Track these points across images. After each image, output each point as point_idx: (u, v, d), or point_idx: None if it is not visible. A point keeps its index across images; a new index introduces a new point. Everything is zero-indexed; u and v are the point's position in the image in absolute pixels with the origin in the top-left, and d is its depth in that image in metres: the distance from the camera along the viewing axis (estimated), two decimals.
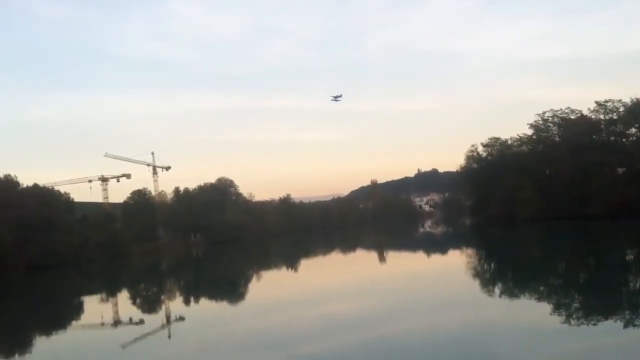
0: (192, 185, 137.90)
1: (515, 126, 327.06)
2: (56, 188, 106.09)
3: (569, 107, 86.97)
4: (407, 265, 45.17)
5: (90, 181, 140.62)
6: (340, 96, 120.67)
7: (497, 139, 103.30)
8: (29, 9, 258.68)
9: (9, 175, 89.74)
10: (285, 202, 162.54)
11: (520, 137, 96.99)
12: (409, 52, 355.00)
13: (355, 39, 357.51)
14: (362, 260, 56.06)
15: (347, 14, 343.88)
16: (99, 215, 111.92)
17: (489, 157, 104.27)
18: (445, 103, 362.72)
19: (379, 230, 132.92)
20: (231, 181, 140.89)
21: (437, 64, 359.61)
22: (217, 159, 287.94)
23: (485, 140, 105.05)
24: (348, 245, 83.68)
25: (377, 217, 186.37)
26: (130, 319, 27.51)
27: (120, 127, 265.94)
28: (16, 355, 21.31)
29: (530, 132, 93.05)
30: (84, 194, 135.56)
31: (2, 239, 69.67)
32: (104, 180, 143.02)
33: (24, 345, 23.11)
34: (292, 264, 57.64)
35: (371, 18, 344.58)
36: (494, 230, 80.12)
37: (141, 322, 26.45)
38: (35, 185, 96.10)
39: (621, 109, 79.02)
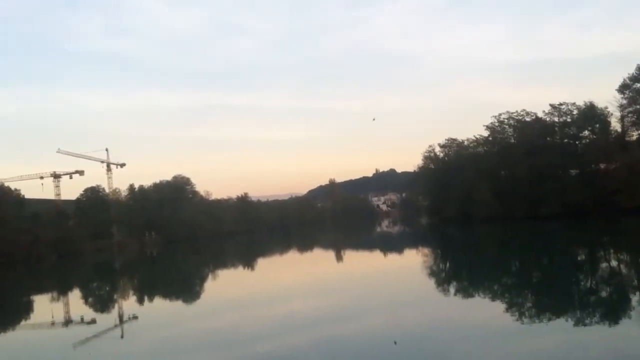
0: (148, 182, 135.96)
1: (473, 127, 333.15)
2: (6, 184, 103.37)
3: (524, 110, 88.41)
4: (363, 264, 45.27)
5: (42, 177, 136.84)
6: None
7: (454, 139, 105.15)
8: None
9: None
10: (243, 200, 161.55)
11: (477, 138, 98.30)
12: (369, 52, 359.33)
13: (316, 38, 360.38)
14: (319, 260, 55.98)
15: (308, 14, 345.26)
16: (51, 212, 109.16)
17: (446, 158, 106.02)
18: (404, 104, 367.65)
19: (336, 229, 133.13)
20: (187, 179, 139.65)
21: (397, 65, 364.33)
22: (174, 157, 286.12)
23: (442, 141, 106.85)
24: (305, 244, 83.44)
25: (335, 216, 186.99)
26: (82, 319, 26.77)
27: (74, 123, 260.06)
28: None
29: (486, 133, 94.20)
30: (35, 190, 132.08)
31: None
32: (56, 176, 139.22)
33: None
34: (248, 263, 57.19)
35: (332, 18, 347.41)
36: (450, 230, 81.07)
37: (93, 321, 25.77)
38: None
39: (575, 112, 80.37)
